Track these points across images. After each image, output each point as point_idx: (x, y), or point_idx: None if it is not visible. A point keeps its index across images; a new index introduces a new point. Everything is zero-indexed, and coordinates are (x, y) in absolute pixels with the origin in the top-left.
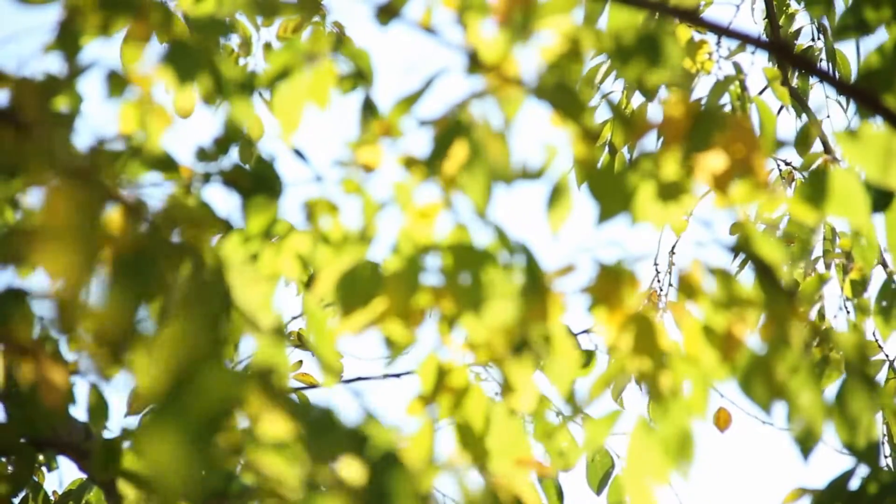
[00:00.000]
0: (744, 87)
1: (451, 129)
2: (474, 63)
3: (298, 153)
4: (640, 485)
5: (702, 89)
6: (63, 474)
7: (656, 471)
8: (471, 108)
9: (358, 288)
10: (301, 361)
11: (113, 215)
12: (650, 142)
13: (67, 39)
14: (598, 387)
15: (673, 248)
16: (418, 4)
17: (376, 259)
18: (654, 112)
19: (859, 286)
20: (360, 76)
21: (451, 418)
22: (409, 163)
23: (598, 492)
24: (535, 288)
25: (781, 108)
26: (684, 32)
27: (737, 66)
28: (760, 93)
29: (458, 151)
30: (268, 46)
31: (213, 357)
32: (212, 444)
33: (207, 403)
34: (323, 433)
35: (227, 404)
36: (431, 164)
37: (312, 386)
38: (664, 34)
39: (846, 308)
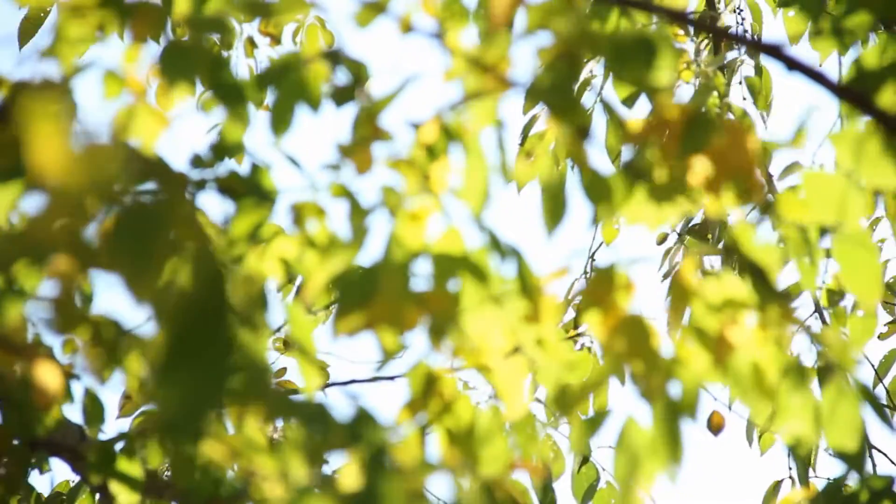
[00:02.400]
0: (721, 95)
1: (443, 131)
2: (467, 64)
3: (290, 158)
4: (628, 487)
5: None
6: (55, 476)
7: (645, 472)
8: (463, 110)
9: (353, 290)
10: (285, 368)
11: (109, 217)
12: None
13: (64, 41)
14: (589, 389)
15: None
16: (404, 5)
17: (367, 264)
18: (644, 115)
19: (836, 295)
20: (356, 87)
21: (440, 424)
22: (400, 165)
23: (583, 503)
24: (528, 292)
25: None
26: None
27: (715, 74)
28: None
29: (451, 154)
30: (250, 41)
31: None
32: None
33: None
34: (317, 428)
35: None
36: (423, 167)
37: (296, 392)
38: (659, 37)
39: (822, 316)
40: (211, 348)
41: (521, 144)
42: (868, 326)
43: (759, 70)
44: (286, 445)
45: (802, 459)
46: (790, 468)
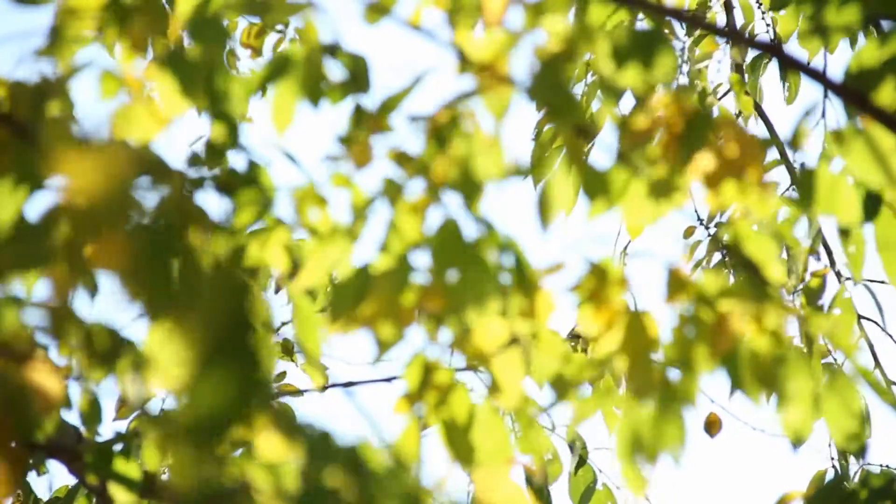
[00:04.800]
0: (705, 95)
1: (442, 125)
2: (466, 62)
3: (288, 155)
4: (631, 465)
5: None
6: (53, 478)
7: (647, 450)
8: (463, 106)
9: (347, 292)
10: (285, 372)
11: (106, 215)
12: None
13: (62, 41)
14: (584, 380)
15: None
16: (410, 2)
17: (365, 258)
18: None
19: (814, 293)
20: (355, 82)
21: (437, 416)
22: (400, 158)
23: None
24: (525, 285)
25: (739, 114)
26: None
27: (702, 72)
28: (721, 97)
29: (450, 148)
30: (232, 53)
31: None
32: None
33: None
34: (319, 458)
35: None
36: (423, 160)
37: (298, 392)
38: (659, 35)
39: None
40: (240, 357)
41: (535, 141)
42: (847, 323)
43: (784, 70)
44: (288, 465)
45: (843, 450)
46: (832, 458)
